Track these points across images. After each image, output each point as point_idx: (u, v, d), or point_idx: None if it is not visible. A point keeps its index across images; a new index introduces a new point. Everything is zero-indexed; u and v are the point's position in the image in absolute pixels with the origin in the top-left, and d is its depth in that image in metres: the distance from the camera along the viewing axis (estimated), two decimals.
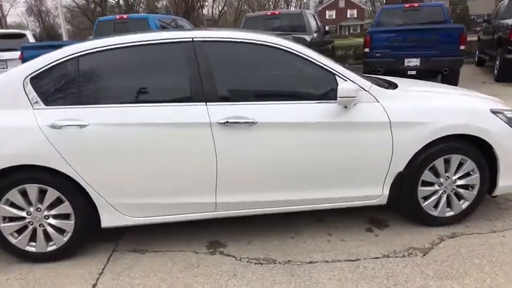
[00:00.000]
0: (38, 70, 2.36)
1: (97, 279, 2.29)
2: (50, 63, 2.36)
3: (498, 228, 2.68)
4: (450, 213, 2.73)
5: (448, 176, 2.65)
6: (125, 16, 8.23)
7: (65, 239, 2.45)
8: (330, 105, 2.45)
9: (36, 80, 2.35)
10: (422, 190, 2.65)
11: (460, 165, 2.64)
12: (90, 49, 2.39)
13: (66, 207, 2.40)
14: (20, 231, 2.42)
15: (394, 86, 2.86)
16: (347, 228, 2.75)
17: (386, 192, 2.61)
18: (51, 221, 2.42)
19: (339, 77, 2.50)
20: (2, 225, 2.38)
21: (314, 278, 2.19)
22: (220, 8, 50.32)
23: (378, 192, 2.61)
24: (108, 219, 2.45)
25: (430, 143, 2.53)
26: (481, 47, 10.87)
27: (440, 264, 2.27)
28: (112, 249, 2.61)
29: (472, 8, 38.93)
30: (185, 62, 2.42)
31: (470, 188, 2.70)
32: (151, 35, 2.46)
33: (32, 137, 2.27)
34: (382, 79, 3.24)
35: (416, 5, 8.73)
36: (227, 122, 2.35)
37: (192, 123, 2.35)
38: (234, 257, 2.47)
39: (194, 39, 2.45)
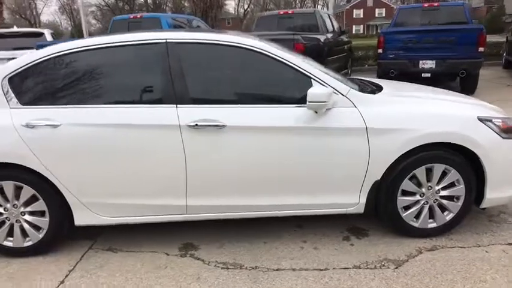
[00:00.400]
0: (15, 70, 2.43)
1: (66, 276, 2.33)
2: (26, 64, 2.42)
3: (484, 242, 2.54)
4: (433, 225, 2.61)
5: (430, 186, 2.53)
6: (138, 15, 8.38)
7: (41, 235, 2.51)
8: (304, 110, 2.39)
9: (14, 80, 2.42)
10: (402, 200, 2.54)
11: (444, 175, 2.52)
12: (65, 50, 2.44)
13: (41, 205, 2.46)
14: None
15: (379, 90, 2.77)
16: (324, 236, 2.69)
17: (363, 200, 2.53)
18: (27, 217, 2.49)
19: (315, 80, 2.43)
20: None
21: (275, 287, 2.15)
22: (246, 7, 50.50)
23: (354, 201, 2.53)
24: (81, 218, 2.50)
25: (410, 151, 2.43)
26: (509, 49, 10.37)
27: (410, 279, 2.18)
28: (88, 247, 2.66)
29: (510, 6, 37.10)
30: (158, 64, 2.42)
31: (455, 199, 2.58)
32: (125, 36, 2.48)
33: (8, 135, 2.34)
34: (370, 82, 3.14)
35: (436, 4, 8.41)
36: (196, 125, 2.34)
37: (162, 126, 2.35)
38: (203, 260, 2.45)
39: (168, 40, 2.45)
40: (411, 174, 2.49)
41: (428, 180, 2.52)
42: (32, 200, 2.46)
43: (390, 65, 7.42)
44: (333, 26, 9.26)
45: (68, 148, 2.35)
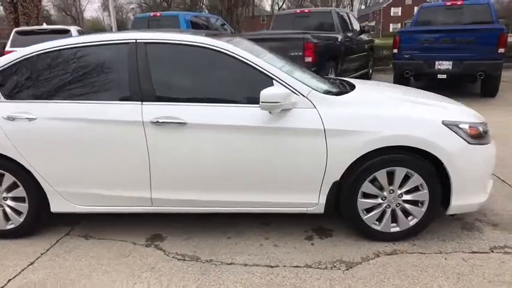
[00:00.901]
0: (1, 67, 2.65)
1: (37, 258, 2.53)
2: (10, 62, 2.64)
3: (447, 249, 2.48)
4: (396, 229, 2.58)
5: (392, 190, 2.51)
6: (158, 14, 8.66)
7: (21, 219, 2.73)
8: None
9: (0, 76, 2.64)
10: (363, 202, 2.53)
11: (407, 179, 2.48)
12: (44, 49, 2.63)
13: (21, 191, 2.67)
14: None
15: (351, 90, 2.76)
16: (287, 235, 2.73)
17: (323, 201, 2.54)
18: (9, 202, 2.72)
19: (276, 81, 2.48)
20: None
21: (221, 280, 2.23)
22: (280, 4, 50.36)
23: (314, 201, 2.55)
24: (56, 205, 2.69)
25: (370, 153, 2.42)
26: None
27: (355, 281, 2.18)
28: (65, 233, 2.85)
29: None
30: (127, 63, 2.56)
31: (419, 205, 2.54)
32: (99, 36, 2.64)
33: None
34: (346, 83, 3.14)
35: (459, 2, 8.09)
36: (158, 121, 2.45)
37: (128, 121, 2.48)
38: (164, 251, 2.57)
39: (137, 40, 2.58)
40: (372, 176, 2.47)
41: (391, 183, 2.50)
42: (14, 186, 2.67)
43: (405, 65, 7.24)
44: (351, 25, 9.13)
45: (43, 140, 2.54)
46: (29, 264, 2.46)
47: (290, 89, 2.46)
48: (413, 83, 8.62)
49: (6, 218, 2.74)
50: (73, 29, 8.86)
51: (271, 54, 3.03)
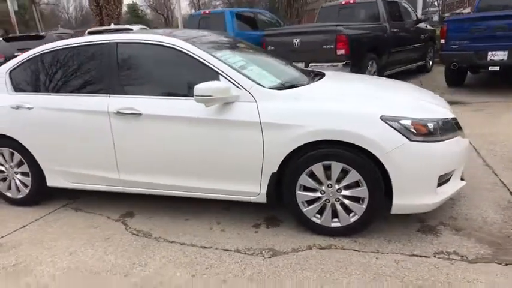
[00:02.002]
0: (14, 65, 3.22)
1: (30, 223, 3.06)
2: (19, 61, 3.20)
3: (385, 250, 2.41)
4: (336, 225, 2.57)
5: (330, 184, 2.51)
6: (207, 11, 9.13)
7: (27, 190, 3.31)
8: None
9: (12, 73, 3.22)
10: (302, 195, 2.57)
11: (345, 174, 2.46)
12: (44, 50, 3.14)
13: (26, 168, 3.24)
14: (2, 181, 3.38)
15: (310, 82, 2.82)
16: (239, 221, 2.87)
17: (264, 191, 2.64)
18: (19, 176, 3.31)
19: (221, 75, 2.63)
20: None
21: (153, 254, 2.49)
22: None
23: (256, 190, 2.66)
24: (51, 181, 3.20)
25: (307, 147, 2.45)
26: None
27: (269, 268, 2.27)
28: (62, 205, 3.37)
29: None
30: (102, 60, 2.93)
31: (360, 201, 2.49)
32: (87, 37, 3.06)
33: (3, 114, 3.16)
34: (315, 74, 3.18)
35: None
36: (119, 112, 2.79)
37: (98, 111, 2.86)
38: (127, 226, 2.92)
39: (111, 41, 2.94)
40: (308, 170, 2.50)
41: (329, 178, 2.50)
42: (20, 163, 3.25)
43: (452, 57, 6.64)
44: (405, 14, 8.59)
45: (37, 125, 3.06)
46: (22, 227, 3.00)
47: (234, 84, 2.59)
48: (470, 78, 7.86)
49: (17, 189, 3.34)
50: (135, 28, 9.79)
51: (239, 50, 3.19)
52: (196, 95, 2.48)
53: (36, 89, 3.12)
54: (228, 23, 8.73)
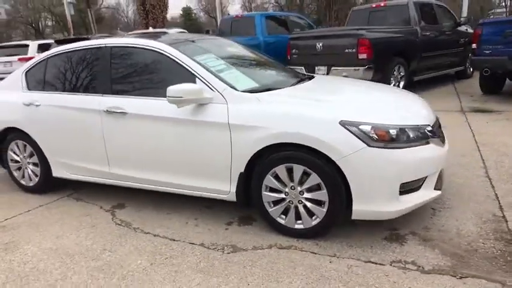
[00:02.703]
0: (29, 66, 3.61)
1: (34, 208, 3.41)
2: (34, 62, 3.58)
3: (343, 255, 2.41)
4: (300, 226, 2.61)
5: (293, 186, 2.55)
6: (239, 15, 9.35)
7: (37, 179, 3.67)
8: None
9: (27, 73, 3.61)
10: (268, 195, 2.64)
11: (307, 177, 2.49)
12: (52, 53, 3.49)
13: (35, 159, 3.60)
14: (18, 170, 3.78)
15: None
16: (215, 218, 2.99)
17: (234, 190, 2.74)
18: (31, 166, 3.68)
19: (197, 78, 2.78)
20: (11, 164, 3.79)
21: (126, 243, 2.69)
22: None
23: (226, 189, 2.77)
24: (55, 171, 3.54)
25: (271, 149, 2.52)
26: None
27: (222, 263, 2.37)
28: (66, 195, 3.69)
29: None
30: (99, 63, 3.20)
31: (322, 205, 2.51)
32: (88, 42, 3.35)
33: (16, 110, 3.54)
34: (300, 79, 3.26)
35: None
36: (108, 110, 3.03)
37: (92, 109, 3.13)
38: (114, 216, 3.15)
39: (106, 45, 3.20)
40: (273, 171, 2.57)
41: (292, 180, 2.54)
42: (31, 154, 3.62)
43: (484, 62, 6.27)
44: (441, 17, 8.21)
45: (43, 121, 3.40)
46: (26, 211, 3.35)
47: (209, 86, 2.73)
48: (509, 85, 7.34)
49: (30, 178, 3.73)
50: (172, 31, 10.26)
51: (227, 54, 3.32)
52: (168, 96, 2.64)
53: (43, 88, 3.48)
54: (257, 26, 8.88)
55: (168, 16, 20.45)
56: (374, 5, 8.15)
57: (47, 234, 2.90)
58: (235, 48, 3.65)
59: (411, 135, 2.43)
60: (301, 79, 3.34)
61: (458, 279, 2.11)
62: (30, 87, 3.58)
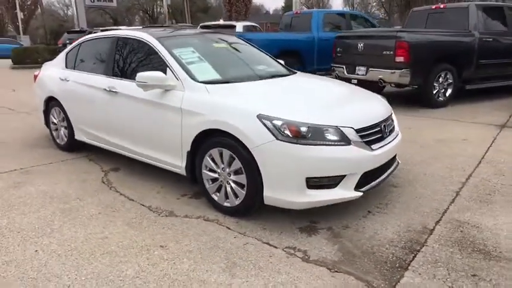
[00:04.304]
0: (69, 49, 4.48)
1: (55, 162, 4.26)
2: (73, 46, 4.43)
3: (251, 234, 2.67)
4: (227, 204, 2.94)
5: (224, 168, 2.89)
6: (298, 11, 9.53)
7: (65, 140, 4.56)
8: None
9: (68, 54, 4.48)
10: (206, 174, 3.02)
11: (233, 161, 2.81)
12: (83, 40, 4.30)
13: (65, 123, 4.47)
14: (55, 131, 4.71)
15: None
16: (176, 190, 3.43)
17: (184, 165, 3.17)
18: (62, 129, 4.58)
19: (168, 67, 3.25)
20: (51, 126, 4.74)
21: (97, 196, 3.32)
22: None
23: (179, 164, 3.21)
24: (77, 135, 4.36)
25: (208, 133, 2.89)
26: None
27: (148, 220, 2.84)
28: (84, 155, 4.49)
29: None
30: (108, 50, 3.89)
31: (244, 188, 2.80)
32: (108, 32, 4.07)
33: (57, 83, 4.44)
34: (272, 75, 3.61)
35: None
36: (106, 89, 3.69)
37: (99, 88, 3.83)
38: (104, 176, 3.82)
39: (115, 35, 3.86)
40: (209, 153, 2.94)
41: (223, 162, 2.88)
42: (63, 119, 4.50)
43: None
44: (505, 22, 7.39)
45: (69, 93, 4.23)
46: (49, 163, 4.22)
47: (174, 75, 3.19)
48: None
49: (62, 138, 4.63)
50: (238, 25, 10.88)
51: (211, 48, 3.74)
52: (137, 81, 3.17)
53: (74, 67, 4.31)
54: (313, 23, 9.00)
55: (271, 9, 21.24)
56: (434, 7, 7.67)
57: (48, 181, 3.68)
58: (224, 44, 4.03)
59: (326, 135, 2.59)
60: (275, 75, 3.60)
61: (330, 271, 2.26)
62: (67, 66, 4.45)
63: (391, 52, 6.35)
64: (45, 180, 3.72)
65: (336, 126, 2.63)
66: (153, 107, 3.27)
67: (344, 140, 2.63)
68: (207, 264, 2.33)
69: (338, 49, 7.55)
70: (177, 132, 3.10)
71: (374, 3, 53.09)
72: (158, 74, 3.16)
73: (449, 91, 6.89)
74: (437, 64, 6.55)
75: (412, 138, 4.97)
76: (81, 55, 4.29)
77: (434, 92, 6.75)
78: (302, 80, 3.72)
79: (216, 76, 3.31)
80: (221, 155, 2.87)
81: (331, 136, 2.60)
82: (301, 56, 8.70)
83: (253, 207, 2.82)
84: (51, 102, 4.63)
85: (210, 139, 2.90)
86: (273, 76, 3.59)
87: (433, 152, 4.46)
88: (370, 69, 6.77)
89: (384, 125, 2.98)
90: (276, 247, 2.53)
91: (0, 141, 5.07)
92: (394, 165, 3.27)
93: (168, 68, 3.25)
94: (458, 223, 2.81)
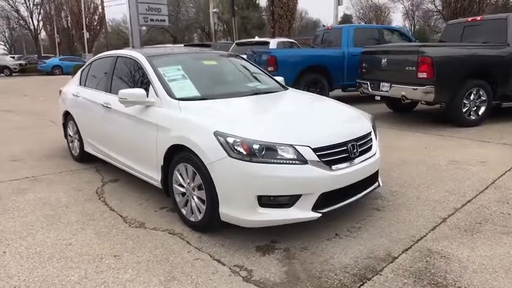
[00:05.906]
0: (84, 67, 4.86)
1: (65, 171, 4.59)
2: (87, 64, 4.81)
3: (205, 250, 2.67)
4: (192, 219, 2.98)
5: (189, 183, 2.94)
6: (329, 26, 9.41)
7: (78, 151, 4.90)
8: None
9: (82, 71, 4.87)
10: (176, 188, 3.10)
11: (195, 176, 2.85)
12: (95, 59, 4.64)
13: (78, 136, 4.83)
14: (71, 143, 5.10)
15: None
16: (157, 203, 3.54)
17: (160, 179, 3.28)
18: (75, 141, 4.94)
19: (151, 84, 3.41)
20: (68, 138, 5.15)
21: (83, 205, 3.52)
22: None
23: (156, 177, 3.33)
24: (86, 147, 4.69)
25: (176, 148, 2.98)
26: None
27: (118, 229, 2.96)
28: (94, 166, 4.80)
29: None
30: (109, 68, 4.17)
31: (204, 203, 2.83)
32: (114, 51, 4.36)
33: (70, 98, 4.83)
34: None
35: None
36: (103, 105, 3.95)
37: (99, 103, 4.11)
38: (101, 187, 4.05)
39: (115, 55, 4.13)
40: (177, 168, 3.01)
41: (189, 177, 2.94)
42: (76, 132, 4.86)
43: None
44: None
45: (80, 108, 4.59)
46: (59, 172, 4.56)
47: (155, 92, 3.34)
48: None
49: (75, 150, 4.99)
50: (272, 42, 11.00)
51: (198, 66, 3.87)
52: (119, 97, 3.36)
53: (85, 84, 4.67)
54: (343, 38, 8.86)
55: (329, 24, 21.18)
56: (470, 19, 7.20)
57: (49, 189, 3.98)
58: (215, 61, 4.12)
59: (280, 153, 2.55)
60: (259, 92, 3.62)
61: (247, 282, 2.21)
62: (81, 82, 4.83)
63: (414, 68, 6.05)
64: (47, 188, 4.03)
65: (291, 145, 2.58)
66: (135, 122, 3.44)
67: (300, 159, 2.57)
68: (147, 276, 2.38)
69: (363, 64, 7.35)
70: (153, 146, 3.22)
71: (435, 17, 50.67)
72: (138, 90, 3.33)
73: (482, 109, 6.38)
74: (468, 80, 6.11)
75: (421, 159, 4.66)
76: (91, 72, 4.64)
77: (464, 110, 6.28)
78: (285, 97, 3.69)
79: (195, 93, 3.40)
80: (186, 170, 2.93)
81: (286, 154, 2.56)
82: (329, 71, 8.58)
83: (212, 223, 2.83)
84: (68, 116, 5.04)
85: (179, 154, 2.98)
86: (255, 93, 3.61)
87: (439, 174, 4.15)
88: (393, 85, 6.49)
89: (353, 145, 2.85)
90: (224, 264, 2.51)
91: (28, 151, 5.59)
92: (372, 187, 3.11)
93: (151, 85, 3.41)
94: (428, 252, 2.59)
